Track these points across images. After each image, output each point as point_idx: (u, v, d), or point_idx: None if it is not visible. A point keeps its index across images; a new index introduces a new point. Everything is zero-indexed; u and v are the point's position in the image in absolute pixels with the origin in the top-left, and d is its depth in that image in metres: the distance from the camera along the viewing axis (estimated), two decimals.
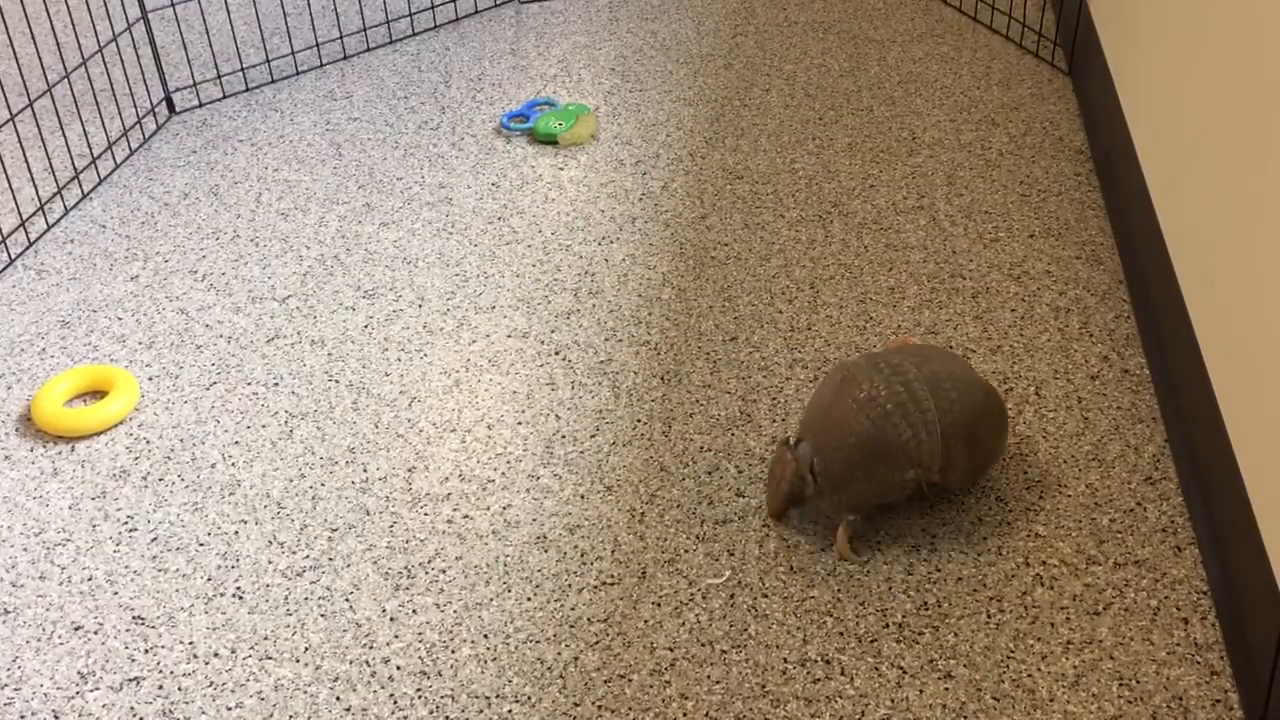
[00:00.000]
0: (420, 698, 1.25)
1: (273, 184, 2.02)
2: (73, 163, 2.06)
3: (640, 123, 2.13)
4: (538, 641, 1.29)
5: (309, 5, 2.50)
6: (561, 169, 2.03)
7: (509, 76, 2.28)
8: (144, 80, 2.20)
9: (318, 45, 2.36)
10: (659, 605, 1.33)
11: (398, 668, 1.28)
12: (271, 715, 1.24)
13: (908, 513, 1.41)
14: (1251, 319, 1.26)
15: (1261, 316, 1.23)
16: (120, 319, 1.76)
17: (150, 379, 1.65)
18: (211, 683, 1.27)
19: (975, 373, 1.36)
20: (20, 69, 1.98)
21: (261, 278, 1.82)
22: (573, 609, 1.33)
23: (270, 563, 1.40)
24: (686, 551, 1.38)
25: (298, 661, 1.29)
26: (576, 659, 1.28)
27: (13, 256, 1.88)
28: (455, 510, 1.45)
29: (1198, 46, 1.52)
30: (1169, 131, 1.60)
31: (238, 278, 1.82)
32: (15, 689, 1.27)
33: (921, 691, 1.23)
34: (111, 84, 2.13)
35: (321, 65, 2.34)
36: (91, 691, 1.27)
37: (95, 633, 1.33)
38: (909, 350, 1.35)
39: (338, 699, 1.25)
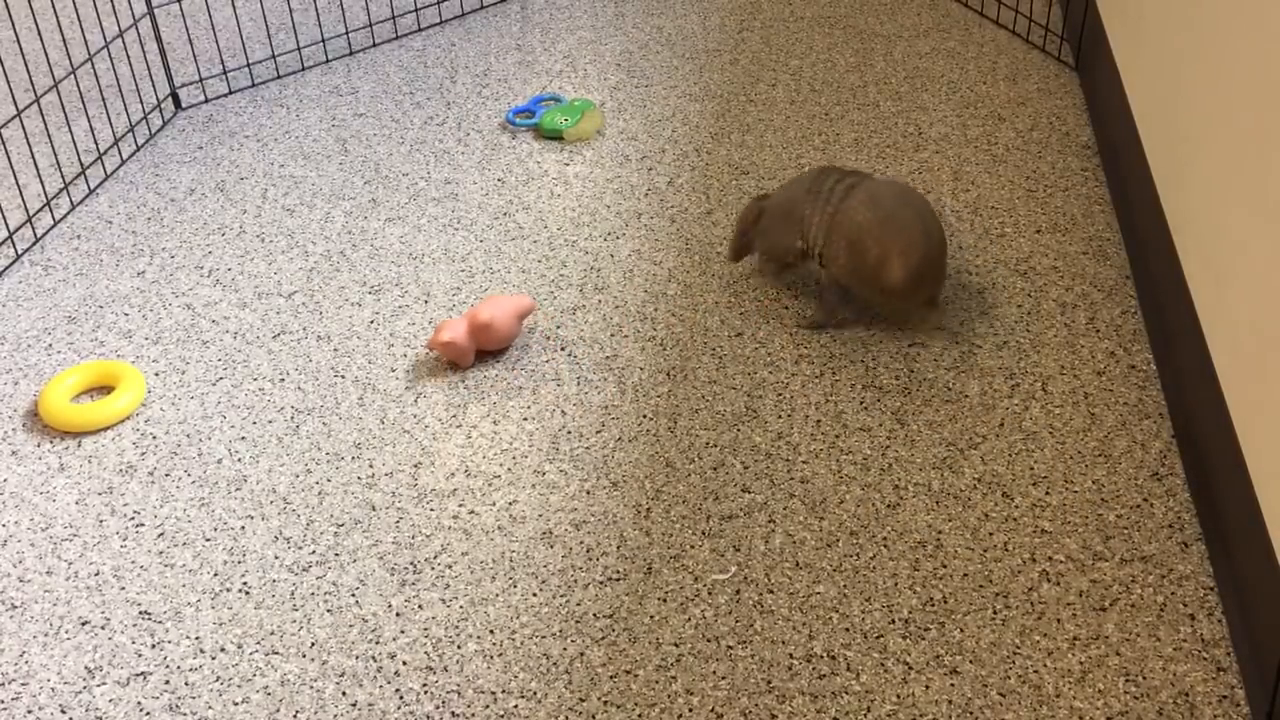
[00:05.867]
0: (426, 693, 1.25)
1: (278, 180, 2.02)
2: (79, 159, 2.06)
3: (646, 118, 2.13)
4: (543, 637, 1.30)
5: (314, 1, 2.50)
6: (567, 165, 2.03)
7: (515, 72, 2.27)
8: (150, 76, 2.20)
9: (323, 41, 2.36)
10: (665, 601, 1.33)
11: (404, 663, 1.28)
12: (278, 710, 1.24)
13: (913, 509, 1.41)
14: (1258, 314, 1.26)
15: (1268, 312, 1.23)
16: (127, 315, 1.76)
17: (157, 374, 1.66)
18: (218, 678, 1.27)
19: (901, 206, 1.57)
20: (26, 65, 1.98)
21: (267, 273, 1.82)
22: (578, 604, 1.33)
23: (276, 558, 1.40)
24: (692, 547, 1.38)
25: (304, 656, 1.29)
26: (582, 654, 1.28)
27: (19, 252, 1.88)
28: (461, 506, 1.45)
29: (1204, 41, 1.52)
30: (1176, 126, 1.60)
31: (244, 273, 1.82)
32: (23, 684, 1.28)
33: (927, 687, 1.23)
34: (117, 80, 2.13)
35: (327, 61, 2.34)
36: (99, 686, 1.27)
37: (102, 628, 1.33)
38: (882, 178, 1.64)
39: (344, 694, 1.25)
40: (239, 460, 1.52)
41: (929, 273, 1.58)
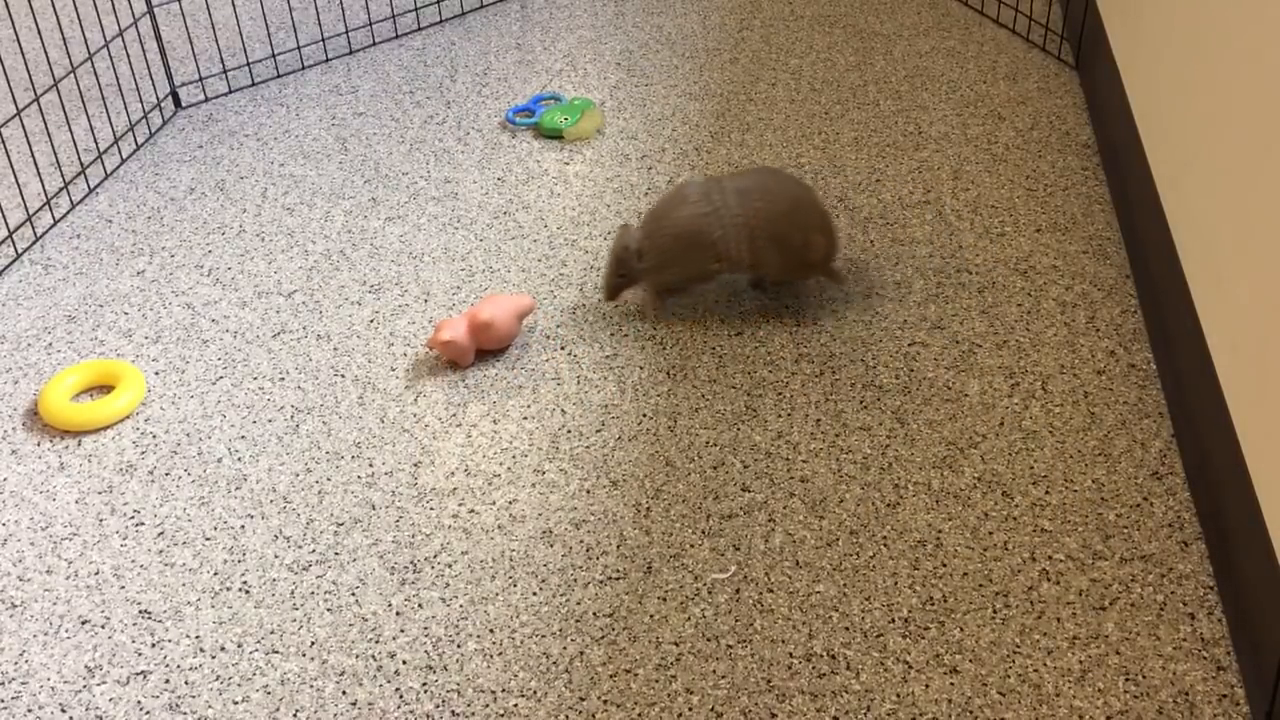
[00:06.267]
0: (426, 692, 1.25)
1: (278, 179, 2.02)
2: (79, 158, 2.06)
3: (645, 117, 2.13)
4: (543, 636, 1.30)
5: (314, 0, 2.50)
6: (567, 164, 2.03)
7: (514, 71, 2.27)
8: (150, 75, 2.20)
9: (323, 40, 2.36)
10: (664, 600, 1.33)
11: (404, 662, 1.28)
12: (278, 709, 1.24)
13: (913, 508, 1.41)
14: (1258, 313, 1.26)
15: (1268, 311, 1.23)
16: (126, 314, 1.76)
17: (157, 374, 1.66)
18: (218, 677, 1.27)
19: (793, 187, 1.64)
20: (26, 63, 1.98)
21: (267, 273, 1.82)
22: (578, 604, 1.33)
23: (276, 557, 1.40)
24: (692, 546, 1.38)
25: (304, 656, 1.29)
26: (582, 654, 1.28)
27: (19, 251, 1.88)
28: (461, 505, 1.45)
29: (1205, 41, 1.52)
30: (1176, 125, 1.60)
31: (243, 273, 1.82)
32: (23, 683, 1.28)
33: (927, 686, 1.23)
34: (117, 79, 2.13)
35: (327, 60, 2.34)
36: (99, 685, 1.27)
37: (102, 627, 1.33)
38: (745, 171, 1.67)
39: (344, 693, 1.25)
40: (239, 459, 1.52)
41: (835, 235, 1.67)
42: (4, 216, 1.90)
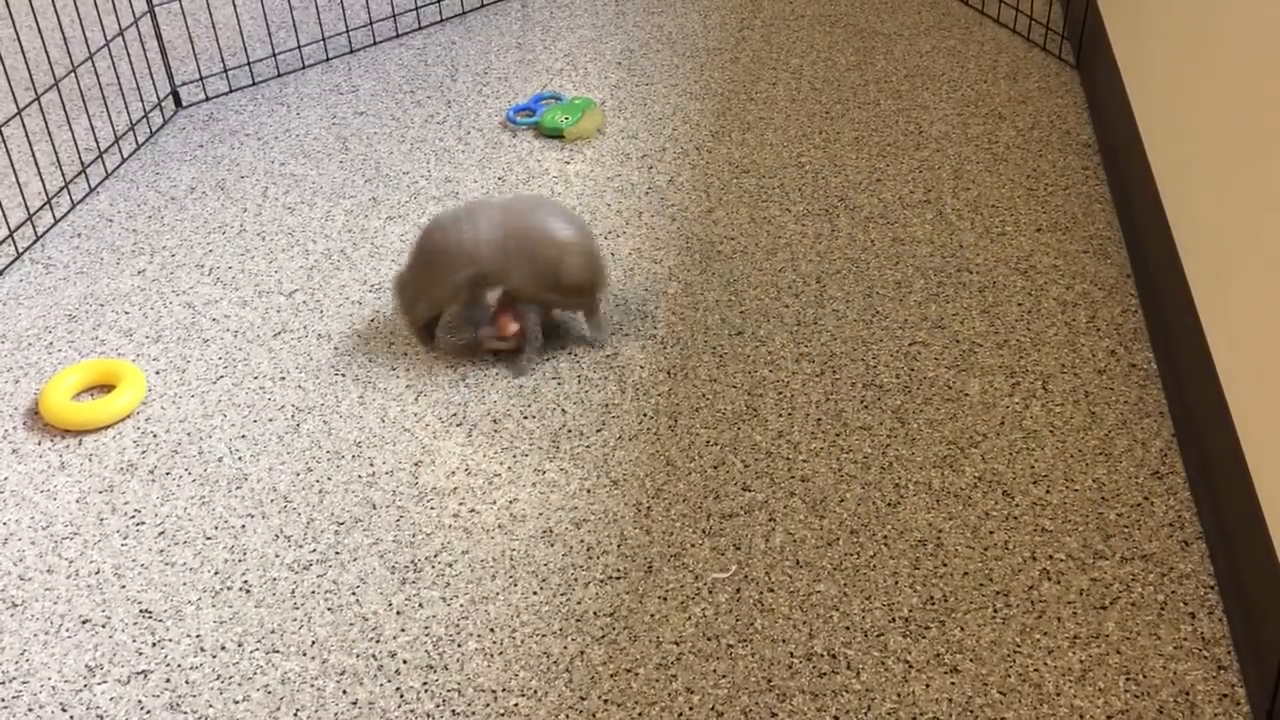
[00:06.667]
0: (427, 691, 1.25)
1: (279, 178, 2.02)
2: (79, 157, 2.06)
3: (646, 117, 2.13)
4: (544, 635, 1.30)
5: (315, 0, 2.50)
6: (568, 163, 2.03)
7: (515, 70, 2.27)
8: (150, 74, 2.20)
9: (324, 39, 2.36)
10: (665, 599, 1.33)
11: (404, 661, 1.28)
12: (278, 709, 1.24)
13: (914, 507, 1.41)
14: (1259, 313, 1.26)
15: (1269, 310, 1.23)
16: (127, 313, 1.76)
17: (157, 373, 1.66)
18: (219, 676, 1.28)
19: (556, 212, 1.61)
20: (27, 63, 1.98)
21: (268, 272, 1.82)
22: (579, 603, 1.33)
23: (277, 556, 1.40)
24: (693, 546, 1.38)
25: (304, 655, 1.29)
26: (583, 653, 1.28)
27: (20, 251, 1.88)
28: (461, 504, 1.45)
29: (1206, 40, 1.52)
30: (1176, 125, 1.60)
31: (244, 272, 1.82)
32: (23, 682, 1.28)
33: (928, 686, 1.23)
34: (118, 78, 2.13)
35: (328, 59, 2.34)
36: (99, 684, 1.27)
37: (103, 626, 1.33)
38: (516, 196, 1.69)
39: (344, 692, 1.25)
40: (240, 459, 1.52)
41: (595, 268, 1.63)
42: (5, 216, 1.90)
